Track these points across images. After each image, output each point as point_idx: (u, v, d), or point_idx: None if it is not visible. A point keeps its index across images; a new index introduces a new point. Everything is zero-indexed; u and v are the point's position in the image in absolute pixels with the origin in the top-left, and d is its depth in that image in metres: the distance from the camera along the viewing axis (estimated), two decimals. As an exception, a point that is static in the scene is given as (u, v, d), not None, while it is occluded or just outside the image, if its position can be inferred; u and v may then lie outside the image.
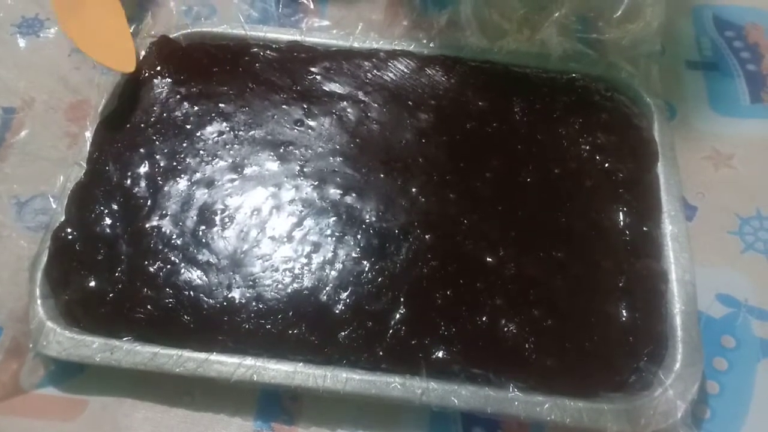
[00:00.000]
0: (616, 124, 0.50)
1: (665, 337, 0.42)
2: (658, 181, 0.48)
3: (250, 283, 0.43)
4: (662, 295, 0.43)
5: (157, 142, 0.48)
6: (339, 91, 0.51)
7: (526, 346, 0.41)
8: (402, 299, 0.42)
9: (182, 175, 0.47)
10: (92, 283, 0.43)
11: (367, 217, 0.45)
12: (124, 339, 0.41)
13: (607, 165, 0.48)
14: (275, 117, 0.50)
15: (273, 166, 0.48)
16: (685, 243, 0.45)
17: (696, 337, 0.41)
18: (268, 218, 0.45)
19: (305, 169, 0.47)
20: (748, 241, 0.48)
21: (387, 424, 0.41)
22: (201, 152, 0.48)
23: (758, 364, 0.43)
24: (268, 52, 0.53)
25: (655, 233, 0.45)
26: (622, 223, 0.46)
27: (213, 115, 0.50)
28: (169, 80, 0.51)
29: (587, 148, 0.49)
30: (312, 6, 0.58)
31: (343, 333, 0.41)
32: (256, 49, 0.53)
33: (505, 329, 0.41)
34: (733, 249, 0.48)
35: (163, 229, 0.44)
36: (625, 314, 0.42)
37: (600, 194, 0.47)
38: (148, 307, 0.42)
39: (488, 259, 0.44)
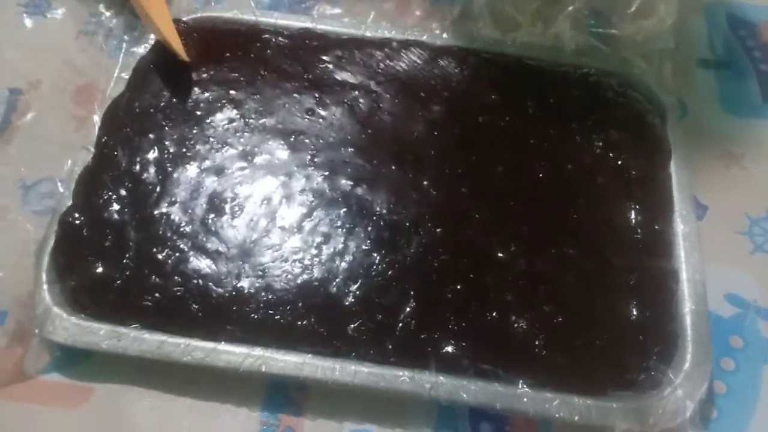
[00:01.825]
0: (629, 120, 0.50)
1: (675, 336, 0.41)
2: (670, 179, 0.47)
3: (260, 273, 0.42)
4: (673, 295, 0.43)
5: (166, 128, 0.48)
6: (351, 81, 0.50)
7: (536, 342, 0.41)
8: (412, 293, 0.42)
9: (192, 162, 0.46)
10: (99, 270, 0.42)
11: (378, 209, 0.45)
12: (131, 326, 0.40)
13: (619, 162, 0.48)
14: (286, 105, 0.49)
15: (283, 155, 0.47)
16: (695, 242, 0.45)
17: (705, 337, 0.41)
18: (277, 208, 0.45)
19: (316, 159, 0.47)
20: (757, 242, 0.48)
21: (395, 418, 0.41)
22: (211, 139, 0.47)
23: (765, 366, 0.43)
24: (279, 38, 0.52)
25: (666, 232, 0.45)
26: (633, 220, 0.45)
27: (223, 101, 0.49)
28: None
29: (600, 144, 0.48)
30: (323, -7, 0.57)
31: (352, 325, 0.41)
32: (267, 36, 0.52)
33: (515, 325, 0.41)
34: (742, 249, 0.48)
35: (172, 217, 0.44)
36: (635, 313, 0.42)
37: (612, 191, 0.47)
38: (156, 294, 0.41)
39: (499, 255, 0.43)
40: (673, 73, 0.53)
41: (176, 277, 0.42)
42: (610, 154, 0.48)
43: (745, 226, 0.49)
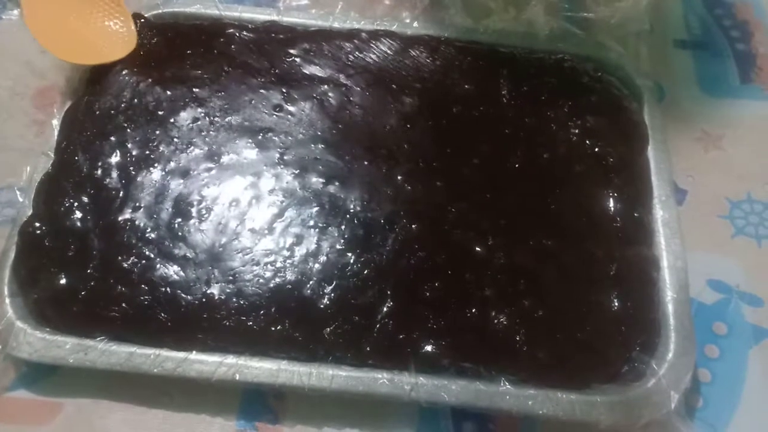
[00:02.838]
0: (605, 106, 0.49)
1: (658, 325, 0.41)
2: (648, 164, 0.47)
3: (230, 278, 0.41)
4: (654, 283, 0.42)
5: (128, 130, 0.46)
6: (319, 74, 0.49)
7: (517, 338, 0.40)
8: (389, 292, 0.41)
9: (156, 165, 0.45)
10: (63, 281, 0.41)
11: (351, 206, 0.44)
12: (99, 339, 0.39)
13: (596, 149, 0.47)
14: (253, 102, 0.48)
15: (251, 154, 0.46)
16: (676, 228, 0.44)
17: (688, 326, 0.41)
18: (247, 209, 0.43)
19: (285, 157, 0.45)
20: (738, 225, 0.47)
21: (375, 421, 0.40)
22: (175, 140, 0.46)
23: (750, 351, 0.43)
24: (244, 33, 0.51)
25: (645, 219, 0.44)
26: (612, 209, 0.45)
27: (187, 100, 0.47)
28: (140, 63, 0.49)
29: (576, 131, 0.47)
30: (289, -16, 0.56)
31: (328, 329, 0.40)
32: (231, 30, 0.51)
33: (495, 321, 0.40)
34: (723, 233, 0.47)
35: (137, 223, 0.42)
36: (616, 303, 0.41)
37: (590, 179, 0.46)
38: (123, 304, 0.40)
39: (477, 249, 0.42)
40: (649, 56, 0.53)
41: (143, 286, 0.40)
42: (587, 142, 0.47)
43: (725, 209, 0.48)
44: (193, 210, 0.43)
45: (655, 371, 0.39)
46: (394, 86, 0.49)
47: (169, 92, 0.47)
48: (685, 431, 0.38)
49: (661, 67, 0.53)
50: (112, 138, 0.45)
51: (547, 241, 0.43)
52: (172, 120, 0.46)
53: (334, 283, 0.41)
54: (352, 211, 0.43)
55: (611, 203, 0.45)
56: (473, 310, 0.41)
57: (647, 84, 0.50)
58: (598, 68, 0.50)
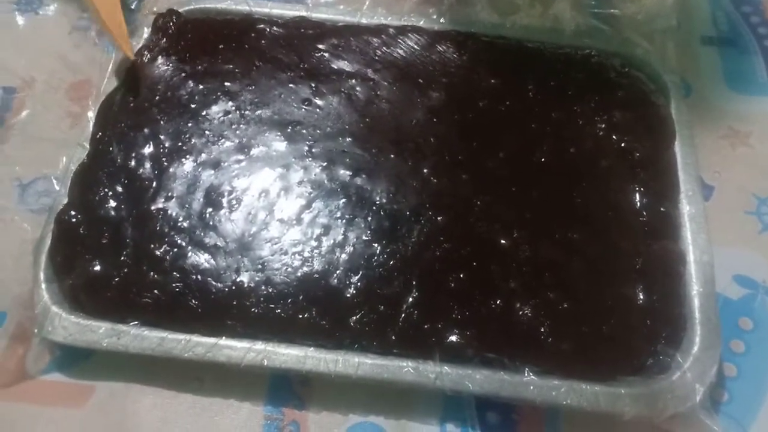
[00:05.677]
0: (632, 101, 0.49)
1: (683, 319, 0.41)
2: (675, 160, 0.46)
3: (259, 266, 0.42)
4: (680, 277, 0.42)
5: (161, 122, 0.47)
6: (347, 69, 0.50)
7: (542, 329, 0.40)
8: (414, 282, 0.41)
9: (188, 156, 0.46)
10: (97, 267, 0.42)
11: (378, 198, 0.44)
12: (131, 324, 0.40)
13: (623, 144, 0.47)
14: (282, 96, 0.48)
15: (280, 146, 0.46)
16: (702, 223, 0.44)
17: (714, 320, 0.41)
18: (276, 200, 0.44)
19: (313, 150, 0.46)
20: (765, 221, 0.47)
21: (400, 409, 0.40)
22: (207, 132, 0.47)
23: (776, 347, 0.43)
24: (274, 28, 0.51)
25: (672, 213, 0.44)
26: (638, 203, 0.45)
27: (218, 93, 0.48)
28: (174, 58, 0.50)
29: (603, 126, 0.47)
30: (317, -20, 0.56)
31: (354, 317, 0.40)
32: (261, 25, 0.52)
33: (520, 312, 0.41)
34: (750, 229, 0.47)
35: (169, 212, 0.43)
36: (642, 297, 0.41)
37: (616, 174, 0.46)
38: (155, 291, 0.41)
39: (502, 241, 0.43)
40: (676, 52, 0.52)
41: (175, 273, 0.41)
42: (614, 137, 0.47)
43: (753, 205, 0.48)
44: (224, 200, 0.44)
45: (680, 364, 0.39)
46: (420, 81, 0.49)
47: (201, 86, 0.49)
48: (710, 424, 0.38)
49: (687, 63, 0.53)
50: (146, 130, 0.47)
51: (572, 234, 0.43)
52: (204, 113, 0.48)
53: (361, 273, 0.42)
54: (378, 202, 0.44)
55: (637, 197, 0.45)
56: (498, 302, 0.41)
57: (674, 80, 0.50)
58: (625, 64, 0.50)
